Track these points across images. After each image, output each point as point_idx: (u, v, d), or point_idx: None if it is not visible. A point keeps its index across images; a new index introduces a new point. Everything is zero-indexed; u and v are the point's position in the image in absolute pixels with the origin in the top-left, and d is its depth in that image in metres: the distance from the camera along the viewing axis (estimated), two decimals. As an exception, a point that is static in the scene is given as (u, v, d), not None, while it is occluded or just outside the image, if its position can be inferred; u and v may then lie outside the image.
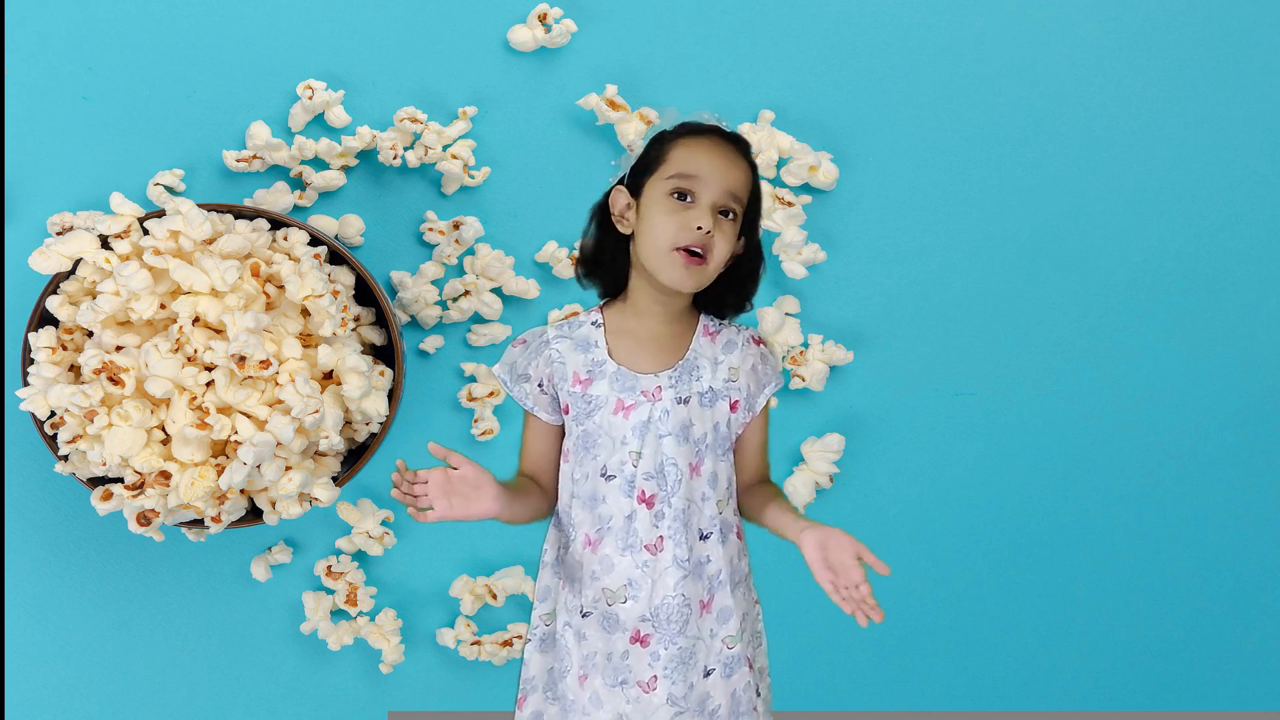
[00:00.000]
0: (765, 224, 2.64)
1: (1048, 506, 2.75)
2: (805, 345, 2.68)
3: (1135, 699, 2.78)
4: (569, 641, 1.99)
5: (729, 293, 2.01)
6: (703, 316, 2.02)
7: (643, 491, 1.96)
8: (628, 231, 1.96)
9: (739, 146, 1.98)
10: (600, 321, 2.00)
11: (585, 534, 1.98)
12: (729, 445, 2.01)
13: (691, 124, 1.99)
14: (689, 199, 1.92)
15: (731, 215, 1.94)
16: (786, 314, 2.67)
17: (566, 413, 1.99)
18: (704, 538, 1.98)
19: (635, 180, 1.97)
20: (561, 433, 2.02)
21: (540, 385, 1.99)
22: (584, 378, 1.97)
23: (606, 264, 2.00)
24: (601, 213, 2.00)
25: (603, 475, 1.97)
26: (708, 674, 1.99)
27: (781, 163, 2.67)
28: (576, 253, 2.03)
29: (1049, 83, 2.70)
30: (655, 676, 1.96)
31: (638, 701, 1.96)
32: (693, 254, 1.91)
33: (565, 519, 2.01)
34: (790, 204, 2.64)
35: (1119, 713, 2.78)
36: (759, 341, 2.04)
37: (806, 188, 2.69)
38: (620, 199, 1.97)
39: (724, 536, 1.99)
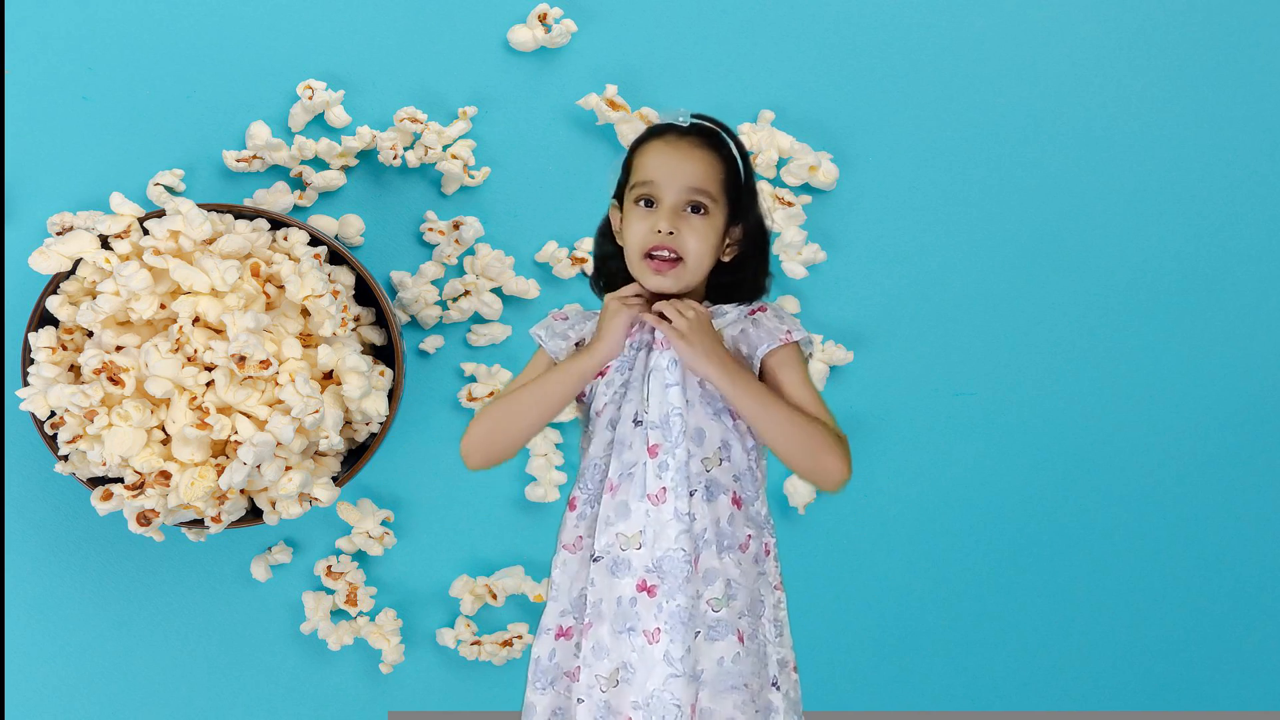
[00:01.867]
0: (765, 223, 2.64)
1: (1048, 506, 2.74)
2: (805, 345, 2.68)
3: (1135, 699, 2.78)
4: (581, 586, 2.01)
5: (737, 282, 2.03)
6: (711, 307, 2.03)
7: (648, 439, 1.97)
8: (622, 244, 2.00)
9: (701, 137, 1.98)
10: None
11: (610, 479, 1.99)
12: (720, 406, 2.00)
13: (652, 127, 2.02)
14: (653, 204, 1.95)
15: (702, 210, 1.95)
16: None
17: (601, 376, 2.01)
18: (691, 493, 1.98)
19: (620, 194, 2.02)
20: None
21: (578, 344, 2.03)
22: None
23: (618, 276, 2.04)
24: (605, 227, 2.05)
25: (635, 420, 1.98)
26: (696, 634, 1.99)
27: (781, 163, 2.67)
28: (589, 266, 2.08)
29: (1049, 83, 2.70)
30: (659, 629, 1.96)
31: (642, 651, 1.96)
32: (659, 259, 1.94)
33: (595, 468, 2.02)
34: (790, 204, 2.64)
35: (1119, 713, 2.78)
36: (756, 311, 2.04)
37: (806, 188, 2.69)
38: (615, 216, 2.03)
39: (711, 495, 1.98)
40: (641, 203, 1.96)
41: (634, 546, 1.97)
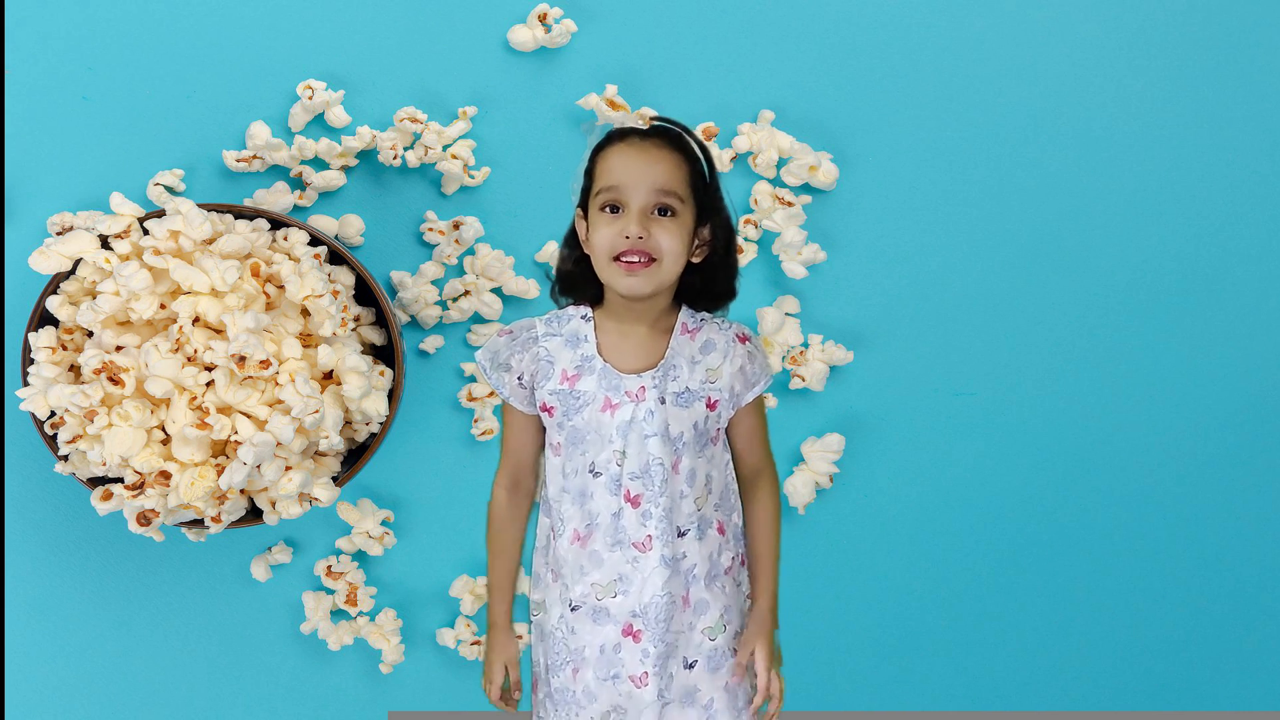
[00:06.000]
0: (766, 224, 2.64)
1: (1048, 506, 2.75)
2: (805, 345, 2.68)
3: (1135, 699, 2.78)
4: (564, 634, 2.00)
5: (707, 286, 2.02)
6: (682, 313, 2.02)
7: (628, 491, 1.96)
8: (589, 252, 1.98)
9: (663, 138, 1.97)
10: (590, 316, 2.01)
11: (574, 529, 1.99)
12: (708, 442, 2.00)
13: (612, 131, 2.00)
14: (619, 210, 1.93)
15: (670, 212, 1.93)
16: (786, 314, 2.67)
17: (544, 410, 1.99)
18: (681, 534, 1.98)
19: (584, 201, 1.99)
20: (540, 424, 2.02)
21: (520, 379, 2.00)
22: (572, 374, 1.98)
23: (581, 284, 2.02)
24: (571, 236, 2.03)
25: (591, 472, 1.97)
26: (690, 666, 1.99)
27: (781, 163, 2.67)
28: (552, 273, 2.05)
29: (1049, 83, 2.70)
30: (646, 673, 1.96)
31: (630, 697, 1.97)
32: (631, 262, 1.91)
33: (555, 510, 2.02)
34: (790, 204, 2.64)
35: (1119, 713, 2.78)
36: (744, 339, 2.03)
37: (806, 188, 2.69)
38: (581, 225, 2.00)
39: (702, 533, 2.00)
40: (607, 209, 1.93)
41: (610, 595, 1.97)
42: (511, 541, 2.07)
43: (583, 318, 2.01)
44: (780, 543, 2.08)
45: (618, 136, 1.98)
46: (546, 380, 1.98)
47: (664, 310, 2.01)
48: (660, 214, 1.93)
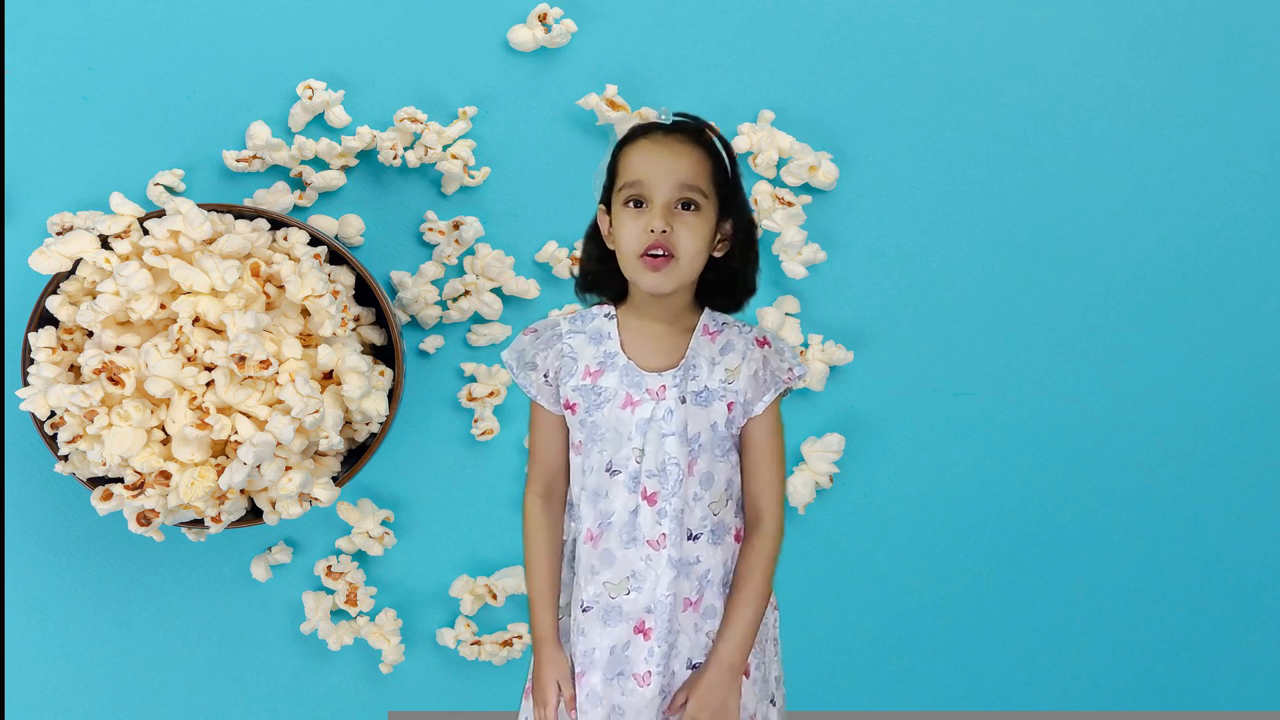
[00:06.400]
0: (766, 224, 2.65)
1: (1048, 506, 2.74)
2: (805, 345, 2.68)
3: (1135, 699, 2.78)
4: (575, 637, 2.00)
5: (727, 281, 2.02)
6: (705, 314, 2.02)
7: (645, 489, 1.96)
8: (612, 248, 1.99)
9: (685, 134, 1.98)
10: (613, 314, 2.02)
11: (588, 529, 1.98)
12: (728, 446, 2.01)
13: (633, 127, 2.01)
14: (643, 204, 1.94)
15: (693, 206, 1.94)
16: (786, 314, 2.67)
17: (567, 408, 2.00)
18: (693, 538, 1.98)
19: (607, 197, 2.01)
20: (567, 424, 2.03)
21: (545, 376, 2.01)
22: (594, 370, 1.99)
23: (605, 281, 2.03)
24: (593, 232, 2.04)
25: (608, 470, 1.97)
26: (692, 667, 1.99)
27: (781, 163, 2.67)
28: (576, 270, 2.06)
29: (1049, 83, 2.70)
30: (649, 672, 1.96)
31: (631, 694, 1.96)
32: (655, 256, 1.92)
33: (576, 511, 2.02)
34: (790, 204, 2.64)
35: (1119, 713, 2.78)
36: (763, 343, 2.03)
37: (806, 188, 2.69)
38: (603, 220, 2.02)
39: (718, 538, 1.99)
40: (631, 204, 1.95)
41: (623, 593, 1.97)
42: (548, 548, 2.05)
43: (606, 315, 2.02)
44: (762, 606, 1.99)
45: (640, 132, 1.99)
46: (570, 376, 1.99)
47: (685, 308, 2.01)
48: (684, 208, 1.94)
